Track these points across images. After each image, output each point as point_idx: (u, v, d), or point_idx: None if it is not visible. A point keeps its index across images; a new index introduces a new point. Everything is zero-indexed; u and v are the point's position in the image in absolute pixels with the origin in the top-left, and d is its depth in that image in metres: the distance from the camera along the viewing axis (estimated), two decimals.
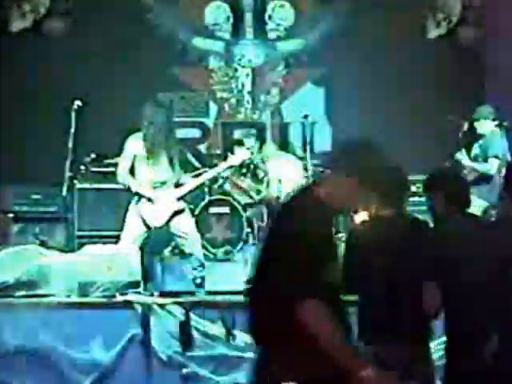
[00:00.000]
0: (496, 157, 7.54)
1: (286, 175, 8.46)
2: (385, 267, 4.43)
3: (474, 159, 7.72)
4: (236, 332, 6.42)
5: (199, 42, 10.56)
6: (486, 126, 7.75)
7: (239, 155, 7.68)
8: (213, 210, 8.30)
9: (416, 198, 8.40)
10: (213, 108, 10.59)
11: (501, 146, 7.65)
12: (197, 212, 8.12)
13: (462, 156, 7.72)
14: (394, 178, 4.58)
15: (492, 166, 7.50)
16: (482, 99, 9.23)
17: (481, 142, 7.80)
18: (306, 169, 8.31)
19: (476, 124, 7.78)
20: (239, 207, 8.31)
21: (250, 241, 8.25)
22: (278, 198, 8.04)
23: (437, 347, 6.00)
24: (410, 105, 9.93)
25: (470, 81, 9.97)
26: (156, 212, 7.15)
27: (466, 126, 7.77)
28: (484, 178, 7.53)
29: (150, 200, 7.13)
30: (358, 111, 9.90)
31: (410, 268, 4.44)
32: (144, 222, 7.17)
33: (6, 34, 10.05)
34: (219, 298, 6.70)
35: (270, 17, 10.63)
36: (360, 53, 9.97)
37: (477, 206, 7.43)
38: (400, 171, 4.71)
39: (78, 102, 7.64)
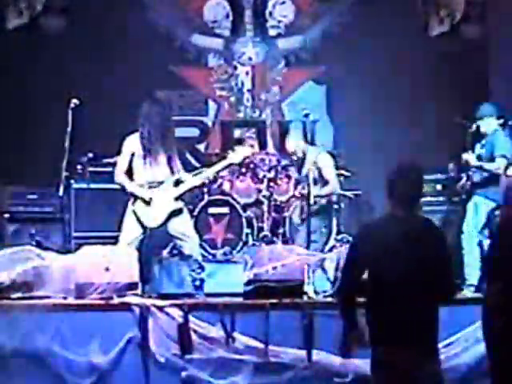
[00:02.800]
0: (503, 156, 7.47)
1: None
2: (393, 268, 4.40)
3: (478, 159, 7.61)
4: (235, 335, 6.40)
5: (198, 39, 10.51)
6: (490, 125, 7.68)
7: (240, 152, 7.53)
8: (212, 210, 8.26)
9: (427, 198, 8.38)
10: (212, 106, 10.56)
11: (507, 145, 7.58)
12: (196, 212, 8.08)
13: (469, 156, 7.62)
14: (408, 178, 4.55)
15: (500, 166, 7.44)
16: (485, 97, 9.18)
17: (484, 141, 7.72)
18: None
19: (479, 122, 7.71)
20: (238, 207, 8.25)
21: (250, 241, 8.18)
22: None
23: (444, 348, 6.05)
24: (412, 103, 9.89)
25: (473, 78, 9.92)
26: (152, 213, 7.09)
27: (474, 127, 7.67)
28: (491, 179, 7.45)
29: (144, 202, 7.03)
30: (359, 110, 9.85)
31: (419, 268, 4.41)
32: (140, 222, 7.10)
33: (2, 31, 9.99)
34: (218, 300, 6.67)
35: (270, 13, 10.59)
36: (361, 50, 9.92)
37: (483, 206, 7.46)
38: (417, 170, 4.63)
39: (74, 101, 7.56)
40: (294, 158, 8.36)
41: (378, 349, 4.43)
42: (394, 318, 4.38)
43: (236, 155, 7.45)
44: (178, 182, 7.21)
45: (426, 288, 4.40)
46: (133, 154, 7.14)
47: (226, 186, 8.62)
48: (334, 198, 8.29)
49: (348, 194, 8.64)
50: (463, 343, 6.50)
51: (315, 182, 8.20)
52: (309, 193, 7.80)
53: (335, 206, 8.28)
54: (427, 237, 4.49)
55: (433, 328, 4.45)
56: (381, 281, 4.42)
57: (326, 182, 8.21)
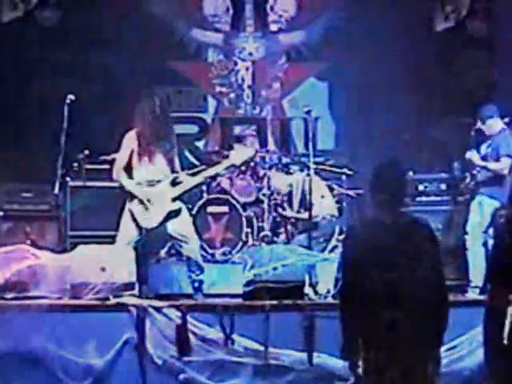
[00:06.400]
0: (508, 156, 7.45)
1: None
2: (384, 269, 4.36)
3: (484, 159, 7.63)
4: (235, 336, 6.38)
5: (198, 34, 10.48)
6: (493, 125, 7.65)
7: (242, 154, 7.44)
8: (211, 209, 8.22)
9: (423, 198, 8.33)
10: (211, 103, 10.53)
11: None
12: (194, 211, 8.05)
13: (473, 155, 7.63)
14: (393, 177, 4.52)
15: (505, 165, 7.42)
16: (491, 94, 9.17)
17: (490, 141, 7.73)
18: (307, 167, 8.14)
19: (483, 121, 7.68)
20: (238, 206, 8.19)
21: (250, 241, 8.13)
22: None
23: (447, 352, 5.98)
24: (416, 100, 9.87)
25: (478, 75, 9.89)
26: (149, 213, 6.99)
27: (478, 125, 7.66)
28: (495, 178, 7.41)
29: (142, 202, 6.97)
30: (362, 107, 9.84)
31: (412, 269, 4.36)
32: (137, 223, 7.01)
33: None
34: (217, 300, 6.67)
35: (271, 8, 10.58)
36: (364, 46, 9.91)
37: (487, 205, 7.43)
38: (399, 169, 4.61)
39: (70, 96, 7.55)
40: (282, 193, 8.42)
41: (368, 354, 4.38)
42: (383, 322, 4.31)
43: (237, 156, 7.36)
44: (176, 182, 7.13)
45: (417, 289, 4.32)
46: (132, 151, 7.04)
47: (226, 185, 8.57)
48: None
49: (350, 192, 8.63)
50: (467, 346, 6.46)
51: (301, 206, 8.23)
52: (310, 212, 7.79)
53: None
54: (412, 237, 4.43)
55: (426, 331, 4.36)
56: (369, 284, 4.35)
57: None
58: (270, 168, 8.61)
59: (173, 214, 7.02)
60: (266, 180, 8.47)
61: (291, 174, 8.58)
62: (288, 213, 8.30)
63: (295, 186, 8.40)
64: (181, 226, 7.05)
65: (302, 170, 8.51)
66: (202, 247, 7.62)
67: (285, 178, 8.50)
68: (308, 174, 8.01)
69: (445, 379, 5.69)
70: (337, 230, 8.14)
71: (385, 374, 4.32)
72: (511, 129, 7.72)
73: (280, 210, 8.35)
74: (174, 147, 7.11)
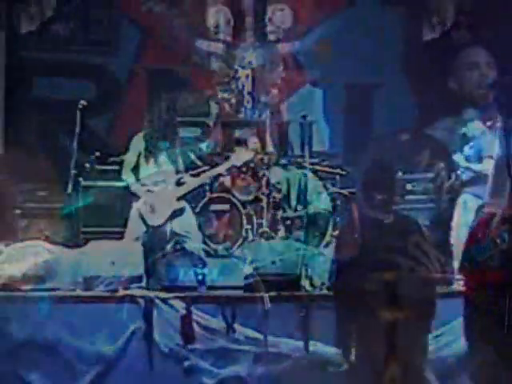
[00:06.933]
0: (490, 157, 7.59)
1: None
2: (375, 262, 4.53)
3: (467, 160, 7.77)
4: (236, 326, 6.52)
5: (202, 44, 10.61)
6: (474, 128, 7.82)
7: (242, 155, 7.61)
8: (213, 207, 8.31)
9: (411, 197, 8.51)
10: (214, 107, 10.59)
11: (493, 146, 7.70)
12: (198, 209, 8.14)
13: (458, 157, 7.80)
14: (384, 177, 4.69)
15: (487, 166, 7.56)
16: (475, 101, 9.34)
17: (472, 143, 7.83)
18: (304, 167, 8.32)
19: (466, 125, 7.88)
20: (239, 204, 8.34)
21: (250, 237, 8.26)
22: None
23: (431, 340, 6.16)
24: (406, 106, 10.03)
25: (462, 83, 10.05)
26: (155, 211, 7.20)
27: (462, 129, 7.84)
28: (479, 178, 7.50)
29: (145, 203, 7.16)
30: (355, 112, 10.00)
31: (402, 262, 4.54)
32: (144, 220, 7.22)
33: (15, 36, 10.03)
34: (220, 292, 6.76)
35: (270, 20, 10.65)
36: (356, 55, 10.04)
37: (472, 204, 7.53)
38: (390, 169, 4.80)
39: (82, 102, 7.70)
40: (279, 186, 8.52)
41: (360, 341, 4.59)
42: (375, 312, 4.50)
43: (238, 158, 7.53)
44: (180, 182, 7.32)
45: (406, 282, 4.50)
46: (140, 152, 7.25)
47: (227, 184, 8.64)
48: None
49: (344, 191, 8.72)
50: (452, 334, 6.51)
51: (298, 202, 8.35)
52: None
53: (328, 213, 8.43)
54: (402, 233, 4.57)
55: (416, 320, 4.57)
56: (358, 278, 4.51)
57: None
58: (269, 168, 8.67)
59: (178, 213, 7.23)
60: (264, 179, 8.54)
61: (289, 170, 8.64)
62: (288, 214, 8.33)
63: (292, 183, 8.46)
64: (185, 223, 7.26)
65: (298, 169, 8.56)
66: (204, 243, 7.76)
67: (282, 173, 8.57)
68: (305, 174, 8.14)
69: (431, 365, 5.81)
70: (331, 226, 8.22)
71: (376, 360, 4.49)
72: (494, 131, 7.91)
73: (281, 211, 8.38)
74: (178, 149, 7.35)
